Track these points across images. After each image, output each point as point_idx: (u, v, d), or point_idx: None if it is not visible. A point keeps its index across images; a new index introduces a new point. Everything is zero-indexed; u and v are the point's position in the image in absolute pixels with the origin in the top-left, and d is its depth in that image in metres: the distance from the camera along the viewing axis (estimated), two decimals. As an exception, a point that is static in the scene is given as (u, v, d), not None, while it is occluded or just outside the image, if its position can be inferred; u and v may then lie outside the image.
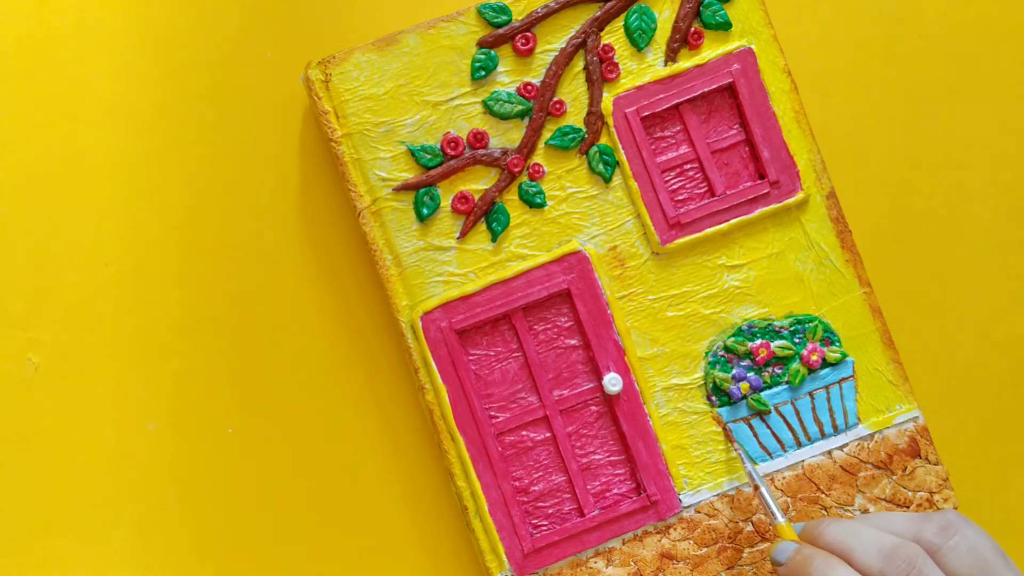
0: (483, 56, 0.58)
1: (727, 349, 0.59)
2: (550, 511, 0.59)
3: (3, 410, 0.60)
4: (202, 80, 0.61)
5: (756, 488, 0.56)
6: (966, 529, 0.49)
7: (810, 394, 0.59)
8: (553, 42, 0.59)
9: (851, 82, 0.63)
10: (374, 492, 0.61)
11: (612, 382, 0.58)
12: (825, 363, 0.59)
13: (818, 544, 0.51)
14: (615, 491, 0.59)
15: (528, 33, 0.58)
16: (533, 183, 0.59)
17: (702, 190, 0.60)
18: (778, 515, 0.54)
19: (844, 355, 0.59)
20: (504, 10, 0.58)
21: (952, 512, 0.50)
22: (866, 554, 0.49)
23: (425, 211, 0.58)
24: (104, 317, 0.60)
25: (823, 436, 0.59)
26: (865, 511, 0.59)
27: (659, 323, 0.59)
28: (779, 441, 0.59)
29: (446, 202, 0.58)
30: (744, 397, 0.59)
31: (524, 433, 0.59)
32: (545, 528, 0.59)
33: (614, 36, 0.59)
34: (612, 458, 0.59)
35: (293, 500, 0.61)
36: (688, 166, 0.60)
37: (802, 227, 0.60)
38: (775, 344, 0.59)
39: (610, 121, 0.59)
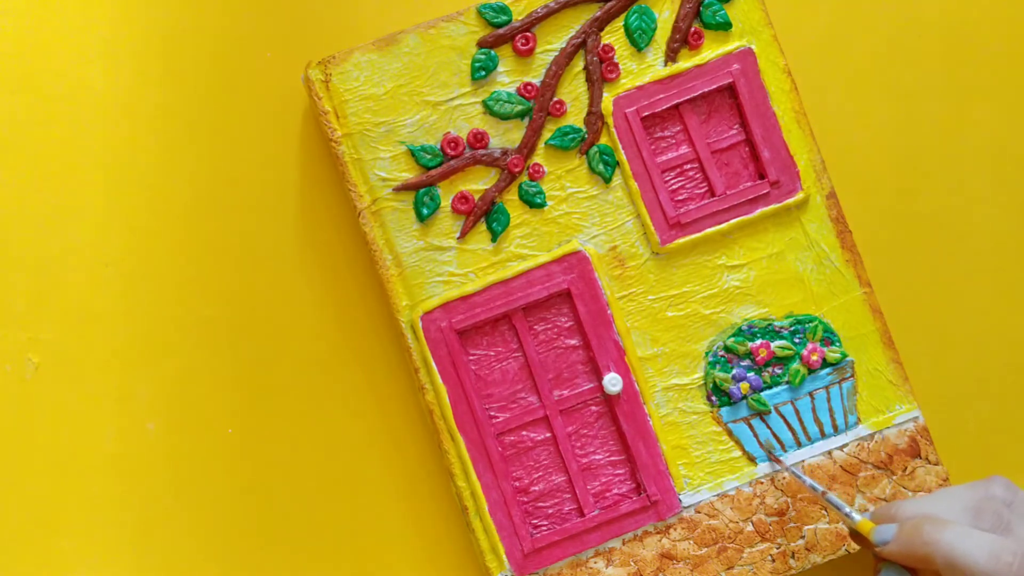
0: (483, 56, 0.58)
1: (727, 349, 0.59)
2: (550, 511, 0.59)
3: (3, 410, 0.60)
4: (202, 80, 0.61)
5: (823, 495, 0.55)
6: (1019, 488, 0.52)
7: (810, 394, 0.59)
8: (553, 42, 0.59)
9: (851, 82, 0.63)
10: (374, 492, 0.61)
11: (612, 382, 0.58)
12: (825, 363, 0.59)
13: (903, 519, 0.51)
14: (615, 491, 0.59)
15: (528, 33, 0.58)
16: (533, 183, 0.59)
17: (702, 190, 0.60)
18: (854, 514, 0.53)
19: (844, 355, 0.59)
20: (504, 10, 0.58)
21: (998, 476, 0.52)
22: (955, 515, 0.50)
23: (425, 211, 0.58)
24: (104, 317, 0.60)
25: (823, 436, 0.59)
26: (865, 511, 0.59)
27: (659, 323, 0.59)
28: (779, 441, 0.59)
29: (446, 202, 0.58)
30: (744, 397, 0.59)
31: (524, 433, 0.59)
32: (545, 528, 0.59)
33: (614, 36, 0.59)
34: (612, 458, 0.59)
35: (293, 500, 0.61)
36: (688, 166, 0.60)
37: (802, 227, 0.60)
38: (775, 344, 0.59)
39: (610, 121, 0.59)
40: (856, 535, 0.54)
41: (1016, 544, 0.48)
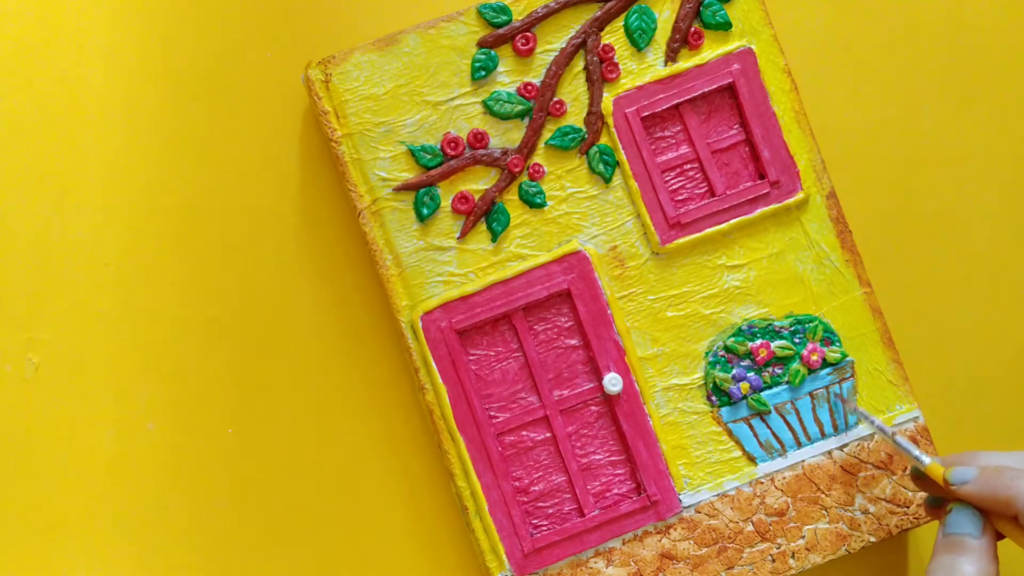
0: (483, 56, 0.58)
1: (727, 349, 0.59)
2: (550, 511, 0.59)
3: (3, 410, 0.60)
4: (202, 80, 0.61)
5: (892, 436, 0.56)
6: None
7: (810, 394, 0.59)
8: (553, 42, 0.59)
9: (851, 82, 0.63)
10: (374, 492, 0.61)
11: (612, 382, 0.58)
12: (825, 363, 0.59)
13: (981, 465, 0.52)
14: (615, 491, 0.59)
15: (528, 33, 0.58)
16: (533, 183, 0.59)
17: (702, 190, 0.60)
18: (924, 457, 0.54)
19: (844, 355, 0.59)
20: (504, 10, 0.58)
21: None
22: None
23: (425, 211, 0.58)
24: (104, 317, 0.60)
25: (823, 436, 0.59)
26: (866, 511, 0.59)
27: (659, 323, 0.59)
28: (779, 441, 0.59)
29: (446, 202, 0.58)
30: (744, 397, 0.59)
31: (524, 433, 0.59)
32: (545, 528, 0.59)
33: (614, 36, 0.59)
34: (612, 458, 0.59)
35: (293, 500, 0.61)
36: (688, 166, 0.60)
37: (802, 227, 0.60)
38: (775, 344, 0.59)
39: (610, 121, 0.59)
40: (920, 479, 0.55)
41: None
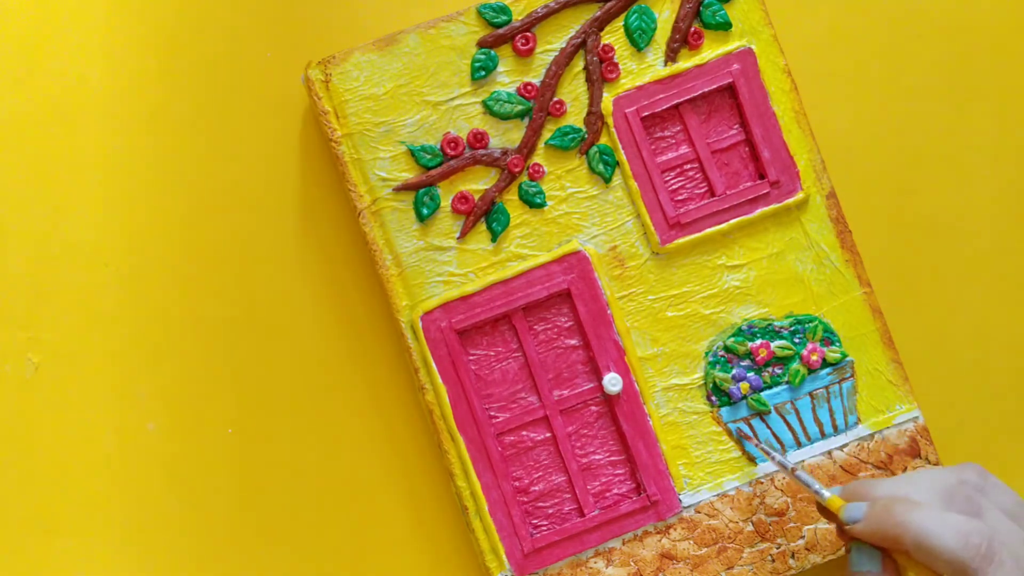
0: (483, 56, 0.58)
1: (727, 349, 0.59)
2: (550, 511, 0.59)
3: (3, 410, 0.60)
4: (202, 80, 0.61)
5: (792, 472, 0.55)
6: (991, 474, 0.52)
7: (810, 394, 0.59)
8: (553, 42, 0.59)
9: (851, 82, 0.63)
10: (374, 492, 0.61)
11: (612, 382, 0.58)
12: (825, 363, 0.59)
13: (875, 499, 0.51)
14: (615, 491, 0.59)
15: (528, 33, 0.58)
16: (533, 183, 0.59)
17: (702, 190, 0.60)
18: (823, 491, 0.53)
19: (844, 355, 0.59)
20: (504, 10, 0.58)
21: (971, 463, 0.52)
22: (927, 497, 0.50)
23: (425, 211, 0.58)
24: (104, 317, 0.60)
25: (823, 436, 0.59)
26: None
27: (659, 323, 0.59)
28: (779, 441, 0.59)
29: (446, 202, 0.59)
30: (744, 397, 0.59)
31: (524, 433, 0.59)
32: (545, 528, 0.59)
33: (614, 36, 0.59)
34: (612, 458, 0.59)
35: (293, 500, 0.61)
36: (688, 166, 0.60)
37: (802, 227, 0.60)
38: (775, 344, 0.59)
39: (610, 121, 0.59)
40: (825, 511, 0.54)
41: (986, 527, 0.48)
